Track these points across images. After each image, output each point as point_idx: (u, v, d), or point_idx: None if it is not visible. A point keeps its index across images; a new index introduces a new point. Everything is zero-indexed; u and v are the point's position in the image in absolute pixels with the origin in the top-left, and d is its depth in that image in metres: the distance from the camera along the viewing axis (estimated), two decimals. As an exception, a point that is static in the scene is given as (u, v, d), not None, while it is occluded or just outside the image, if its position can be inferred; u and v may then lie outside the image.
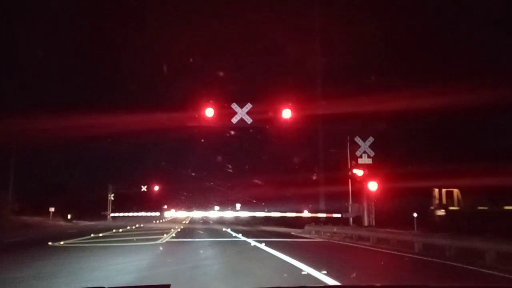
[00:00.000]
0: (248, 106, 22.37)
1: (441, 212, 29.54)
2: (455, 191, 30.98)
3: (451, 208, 30.38)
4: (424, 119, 29.60)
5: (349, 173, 25.03)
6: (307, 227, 29.70)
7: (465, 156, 29.20)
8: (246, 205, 61.06)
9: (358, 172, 24.16)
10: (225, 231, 33.35)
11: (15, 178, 43.99)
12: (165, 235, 25.71)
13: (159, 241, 20.81)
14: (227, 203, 73.83)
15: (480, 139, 31.59)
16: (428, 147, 32.41)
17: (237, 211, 63.52)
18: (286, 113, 22.45)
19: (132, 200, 74.42)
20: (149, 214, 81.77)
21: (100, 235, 25.69)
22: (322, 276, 9.88)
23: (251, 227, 40.98)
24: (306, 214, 38.80)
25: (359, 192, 25.44)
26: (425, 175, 27.55)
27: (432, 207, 31.71)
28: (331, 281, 9.28)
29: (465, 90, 23.47)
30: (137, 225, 41.58)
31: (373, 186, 23.79)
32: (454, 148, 31.30)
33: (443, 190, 30.95)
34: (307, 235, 27.56)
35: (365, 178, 24.13)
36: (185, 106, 22.58)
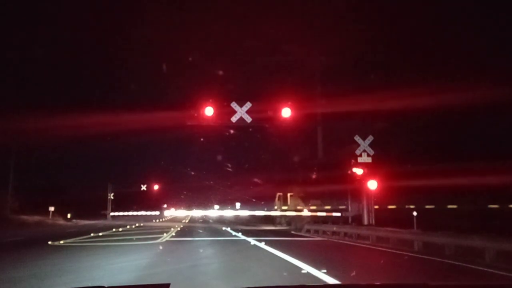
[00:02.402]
0: (248, 105, 22.32)
1: (278, 212, 36.82)
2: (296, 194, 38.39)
3: (283, 208, 38.06)
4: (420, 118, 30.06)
5: (349, 172, 25.04)
6: (306, 226, 29.69)
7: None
8: (246, 204, 61.01)
9: (358, 171, 24.17)
10: (224, 230, 33.34)
11: (14, 177, 44.04)
12: (165, 234, 25.72)
13: (159, 240, 20.82)
14: (226, 202, 73.87)
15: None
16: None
17: (237, 210, 63.48)
18: (286, 112, 22.40)
19: (132, 199, 74.48)
20: (148, 213, 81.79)
21: (100, 234, 25.70)
22: (321, 275, 9.88)
23: (251, 226, 40.99)
24: (306, 213, 38.81)
25: (358, 191, 25.46)
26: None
27: (275, 207, 39.70)
28: (331, 280, 9.28)
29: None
30: (137, 224, 41.58)
31: (372, 184, 23.76)
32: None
33: (288, 194, 38.08)
34: (307, 234, 27.57)
35: (364, 177, 24.10)
36: (185, 105, 22.53)
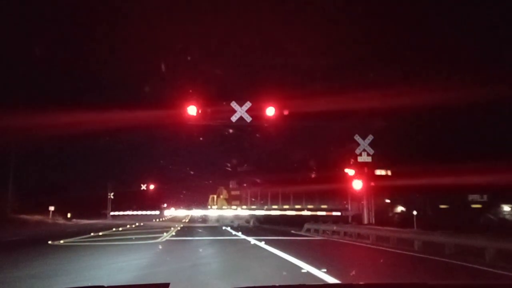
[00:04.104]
0: (248, 104, 22.31)
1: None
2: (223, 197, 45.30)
3: (213, 207, 45.78)
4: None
5: (345, 171, 25.23)
6: (306, 226, 29.70)
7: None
8: (245, 203, 60.96)
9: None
10: (224, 229, 33.36)
11: (15, 176, 44.04)
12: (164, 233, 25.73)
13: (158, 240, 20.83)
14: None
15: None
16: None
17: (236, 209, 63.48)
18: (286, 111, 22.41)
19: (132, 198, 74.64)
20: (148, 212, 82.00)
21: (100, 233, 25.70)
22: (321, 274, 9.88)
23: (251, 226, 41.09)
24: (305, 212, 38.92)
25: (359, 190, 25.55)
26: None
27: (208, 207, 48.06)
28: (330, 279, 9.28)
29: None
30: (136, 224, 41.63)
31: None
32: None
33: (221, 196, 44.55)
34: (307, 234, 27.57)
35: (364, 177, 24.11)
36: (184, 105, 22.51)
